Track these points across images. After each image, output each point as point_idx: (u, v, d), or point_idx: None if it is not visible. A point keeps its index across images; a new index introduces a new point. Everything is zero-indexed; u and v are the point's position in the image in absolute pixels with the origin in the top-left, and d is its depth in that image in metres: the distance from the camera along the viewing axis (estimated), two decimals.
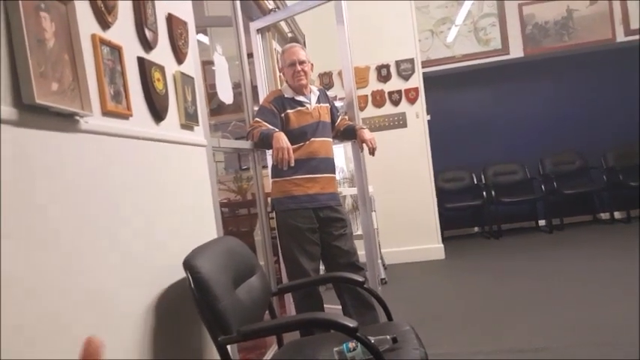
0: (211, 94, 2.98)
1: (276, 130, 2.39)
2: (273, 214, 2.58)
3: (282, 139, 2.31)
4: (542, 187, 5.79)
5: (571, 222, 5.79)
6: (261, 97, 2.90)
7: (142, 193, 1.37)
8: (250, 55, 3.11)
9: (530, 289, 3.48)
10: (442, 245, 4.84)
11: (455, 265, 4.60)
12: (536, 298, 3.24)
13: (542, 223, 6.03)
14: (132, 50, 1.40)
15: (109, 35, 1.26)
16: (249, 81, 2.86)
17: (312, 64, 2.63)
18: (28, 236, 0.91)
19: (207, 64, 3.03)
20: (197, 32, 1.97)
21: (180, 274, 1.38)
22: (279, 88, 2.89)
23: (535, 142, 6.02)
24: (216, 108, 4.11)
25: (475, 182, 6.08)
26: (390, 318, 1.78)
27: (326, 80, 4.88)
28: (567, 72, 5.95)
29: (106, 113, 1.22)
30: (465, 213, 6.07)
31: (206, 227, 1.80)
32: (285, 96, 2.54)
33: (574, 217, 5.86)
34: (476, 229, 6.23)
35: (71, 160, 1.07)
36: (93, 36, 1.19)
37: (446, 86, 5.98)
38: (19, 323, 0.86)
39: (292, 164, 2.30)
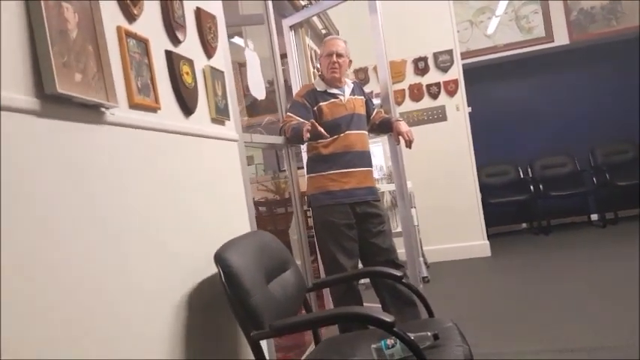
0: (248, 95, 3.00)
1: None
2: (310, 211, 2.54)
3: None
4: (594, 179, 5.50)
5: (626, 215, 5.45)
6: None
7: (172, 186, 1.35)
8: (285, 56, 3.08)
9: (581, 287, 3.29)
10: (487, 242, 4.67)
11: (502, 263, 4.42)
12: (589, 297, 3.05)
13: (594, 217, 5.73)
14: (159, 44, 1.39)
15: (135, 28, 1.26)
16: (282, 79, 2.83)
17: (350, 61, 2.57)
18: (55, 229, 0.90)
19: (243, 66, 3.04)
20: (232, 34, 1.96)
21: (214, 268, 1.36)
22: (312, 82, 2.85)
23: (584, 132, 5.72)
24: (251, 105, 4.13)
25: (521, 176, 5.85)
26: (431, 314, 1.70)
27: (361, 76, 4.80)
28: (616, 58, 5.63)
29: (133, 106, 1.21)
30: (510, 208, 5.83)
31: (239, 222, 1.78)
32: (318, 89, 2.50)
33: (629, 210, 5.51)
34: (523, 225, 5.99)
35: (99, 151, 1.06)
36: (118, 28, 1.18)
37: (487, 77, 5.77)
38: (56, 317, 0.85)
39: (325, 134, 2.24)
